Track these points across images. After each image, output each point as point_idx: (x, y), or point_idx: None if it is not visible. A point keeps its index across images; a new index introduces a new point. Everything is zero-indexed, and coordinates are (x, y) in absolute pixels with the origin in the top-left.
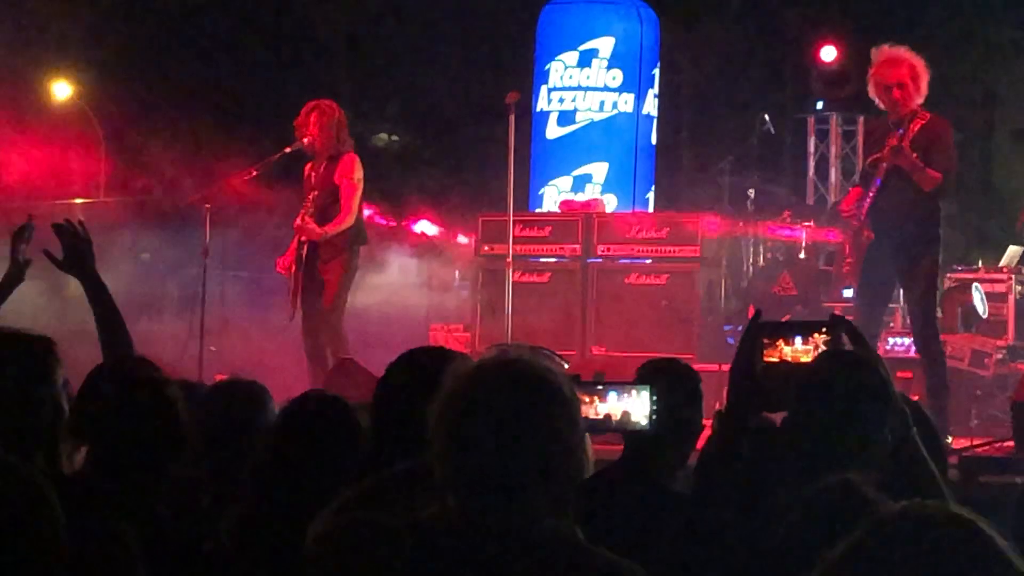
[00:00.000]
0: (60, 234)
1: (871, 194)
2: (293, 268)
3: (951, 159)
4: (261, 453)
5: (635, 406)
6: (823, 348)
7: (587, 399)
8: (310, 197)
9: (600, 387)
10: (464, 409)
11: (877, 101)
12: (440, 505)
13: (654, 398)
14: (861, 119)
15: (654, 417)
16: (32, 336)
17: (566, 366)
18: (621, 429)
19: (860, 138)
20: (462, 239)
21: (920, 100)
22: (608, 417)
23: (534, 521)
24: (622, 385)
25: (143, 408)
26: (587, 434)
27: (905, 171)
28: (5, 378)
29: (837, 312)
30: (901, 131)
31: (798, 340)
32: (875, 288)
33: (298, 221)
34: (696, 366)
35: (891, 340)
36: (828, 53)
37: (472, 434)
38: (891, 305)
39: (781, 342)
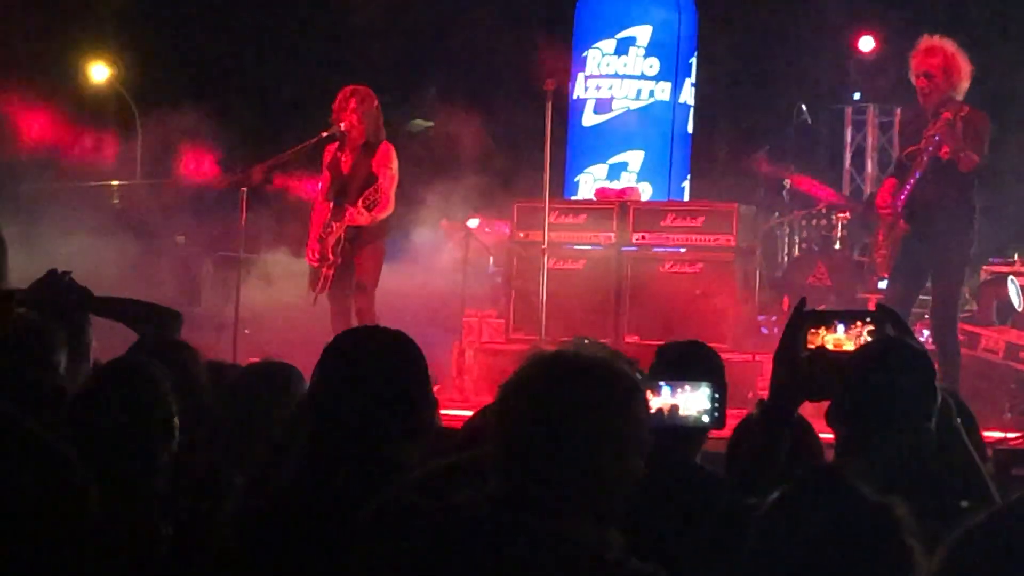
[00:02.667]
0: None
1: (909, 185)
2: (328, 255)
3: (984, 146)
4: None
5: (687, 401)
6: (867, 338)
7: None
8: (363, 193)
9: (660, 384)
10: (529, 398)
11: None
12: (478, 491)
13: (716, 395)
14: (898, 110)
15: (716, 414)
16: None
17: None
18: (672, 424)
19: (896, 129)
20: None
21: (956, 94)
22: (660, 411)
23: (570, 523)
24: (678, 381)
25: (121, 395)
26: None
27: (944, 162)
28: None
29: (871, 303)
30: (949, 115)
31: (841, 329)
32: (908, 278)
33: (351, 211)
34: (730, 355)
35: (925, 332)
36: (866, 43)
37: (530, 424)
38: (923, 296)
39: (824, 331)
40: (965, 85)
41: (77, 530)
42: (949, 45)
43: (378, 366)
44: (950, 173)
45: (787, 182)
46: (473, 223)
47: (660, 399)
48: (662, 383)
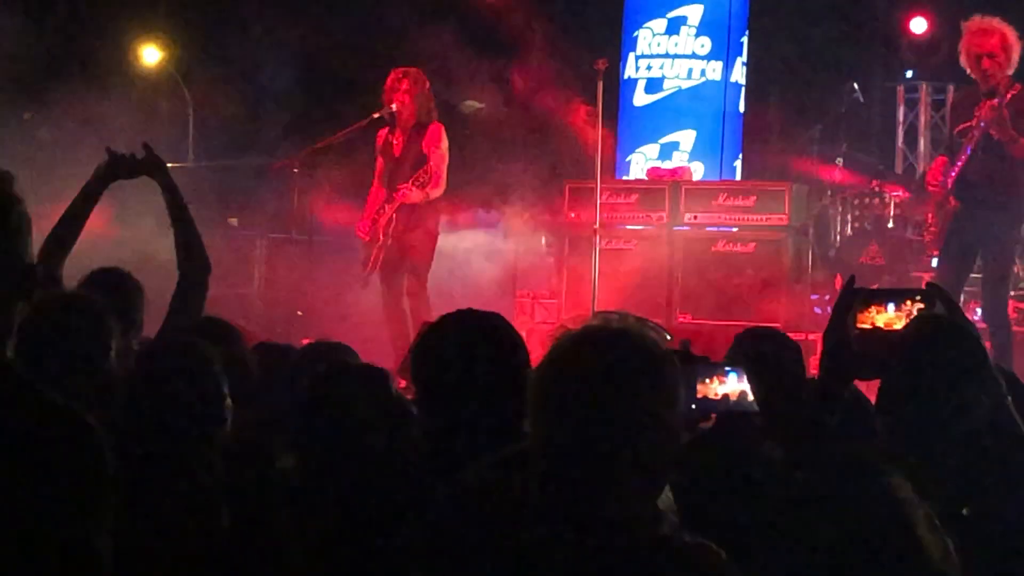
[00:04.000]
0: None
1: (959, 163)
2: (379, 235)
3: None
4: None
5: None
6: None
7: (709, 380)
8: (414, 173)
9: (727, 369)
10: (560, 375)
11: (968, 71)
12: (526, 471)
13: None
14: (951, 88)
15: None
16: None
17: (669, 338)
18: (737, 409)
19: (949, 107)
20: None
21: (1011, 70)
22: (726, 397)
23: (618, 501)
24: (739, 366)
25: (175, 376)
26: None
27: (994, 139)
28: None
29: (925, 281)
30: (998, 99)
31: (891, 307)
32: (958, 256)
33: (403, 189)
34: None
35: (978, 311)
36: (919, 25)
37: (565, 402)
38: (974, 275)
39: (874, 309)
40: (1017, 60)
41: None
42: (998, 22)
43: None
44: (1001, 151)
45: (840, 160)
46: None
47: (727, 385)
48: (728, 368)
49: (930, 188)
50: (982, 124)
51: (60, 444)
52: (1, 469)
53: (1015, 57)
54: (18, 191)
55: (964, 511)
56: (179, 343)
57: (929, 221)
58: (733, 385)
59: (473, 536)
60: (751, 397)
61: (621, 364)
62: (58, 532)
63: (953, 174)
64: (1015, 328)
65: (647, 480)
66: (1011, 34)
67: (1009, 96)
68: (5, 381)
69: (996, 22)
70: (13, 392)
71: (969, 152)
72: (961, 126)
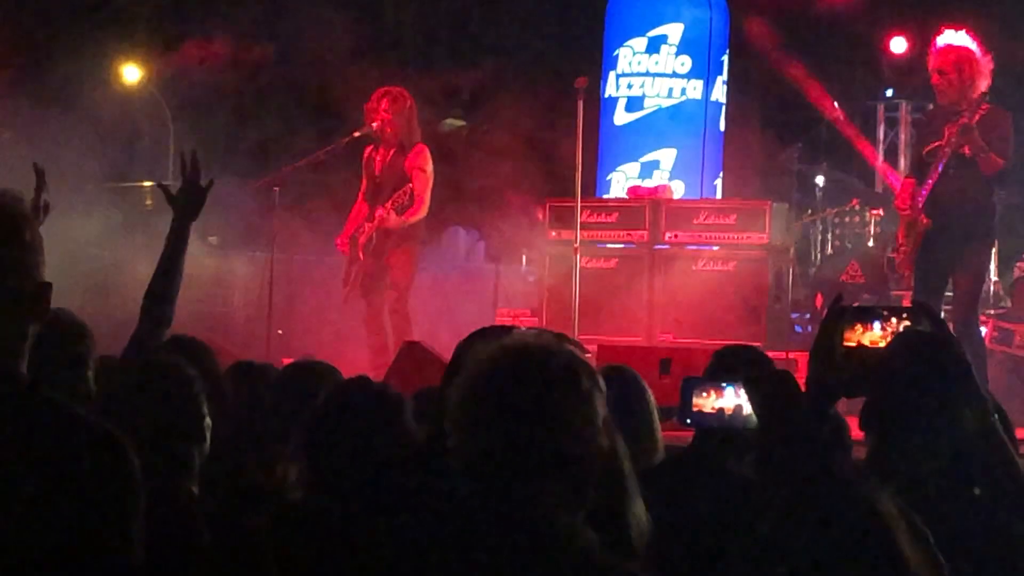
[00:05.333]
0: (184, 169)
1: (930, 181)
2: (358, 254)
3: (1008, 148)
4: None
5: (747, 402)
6: None
7: (705, 394)
8: (393, 195)
9: (725, 384)
10: (479, 392)
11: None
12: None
13: None
14: (931, 106)
15: None
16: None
17: (588, 355)
18: (732, 424)
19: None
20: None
21: (974, 90)
22: (722, 411)
23: (541, 513)
24: (738, 383)
25: (155, 396)
26: (657, 423)
27: (966, 158)
28: None
29: (905, 300)
30: (966, 115)
31: (877, 325)
32: (932, 275)
33: (381, 212)
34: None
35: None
36: (898, 45)
37: (484, 418)
38: (948, 293)
39: (861, 327)
40: (984, 82)
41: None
42: (966, 41)
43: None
44: (972, 170)
45: (820, 179)
46: None
47: (723, 399)
48: (725, 384)
49: (900, 211)
50: (952, 141)
51: (90, 459)
52: (29, 484)
53: (973, 78)
54: (30, 211)
55: (976, 491)
56: (158, 362)
57: (900, 241)
58: (730, 400)
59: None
60: (746, 411)
61: (538, 378)
62: (91, 547)
63: (924, 193)
64: (996, 347)
65: (568, 491)
66: (974, 55)
67: (978, 116)
68: (28, 398)
69: (963, 40)
70: (39, 408)
71: (940, 170)
72: (930, 146)
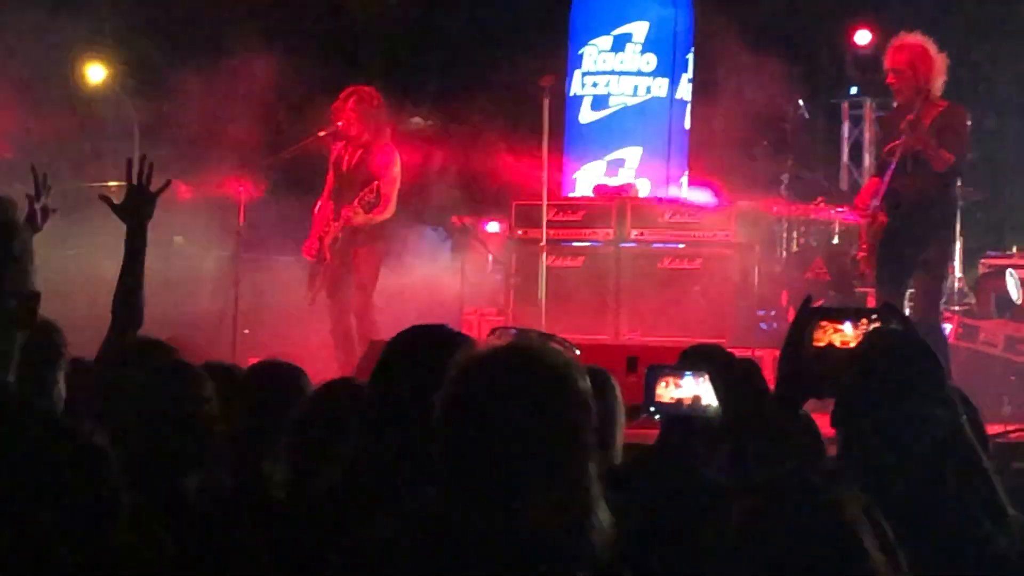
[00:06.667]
0: (128, 176)
1: (887, 178)
2: (325, 254)
3: (962, 145)
4: (289, 441)
5: (707, 391)
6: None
7: (664, 383)
8: (359, 193)
9: (687, 372)
10: (470, 398)
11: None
12: (437, 495)
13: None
14: (895, 104)
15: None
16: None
17: (577, 352)
18: (691, 413)
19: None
20: (493, 226)
21: (928, 87)
22: (680, 402)
23: (533, 519)
24: (700, 372)
25: (173, 396)
26: (622, 424)
27: (920, 154)
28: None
29: (870, 297)
30: (916, 112)
31: (848, 326)
32: (892, 272)
33: (347, 211)
34: (729, 351)
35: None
36: (863, 37)
37: (477, 425)
38: (911, 289)
39: (831, 328)
40: (938, 80)
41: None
42: (919, 41)
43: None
44: (929, 167)
45: (784, 176)
46: (493, 227)
47: (682, 389)
48: (687, 372)
49: (859, 211)
50: (903, 138)
51: (69, 467)
52: (9, 492)
53: (927, 77)
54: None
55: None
56: (171, 365)
57: (862, 238)
58: (690, 389)
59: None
60: (705, 401)
61: (528, 381)
62: (71, 557)
63: (882, 191)
64: (961, 343)
65: (564, 494)
66: (928, 52)
67: (935, 113)
68: (11, 407)
69: (910, 38)
70: (22, 417)
71: (895, 166)
72: (889, 145)
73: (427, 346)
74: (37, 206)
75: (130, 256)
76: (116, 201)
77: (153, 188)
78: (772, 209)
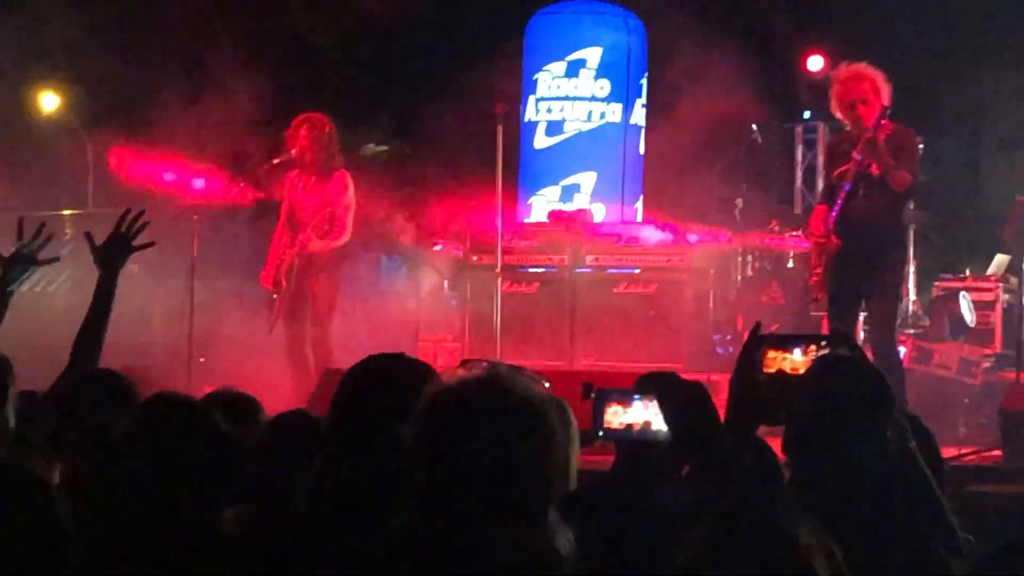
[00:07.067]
0: (119, 223)
1: (839, 201)
2: (282, 282)
3: (915, 165)
4: (247, 471)
5: (657, 416)
6: None
7: (613, 408)
8: (314, 220)
9: (636, 396)
10: (442, 429)
11: (842, 118)
12: (408, 520)
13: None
14: (841, 131)
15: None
16: None
17: (547, 385)
18: (642, 439)
19: (826, 152)
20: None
21: (885, 112)
22: (630, 427)
23: (500, 548)
24: (649, 396)
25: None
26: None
27: (874, 178)
28: None
29: (825, 321)
30: (871, 133)
31: (797, 352)
32: (845, 296)
33: (302, 238)
34: (684, 376)
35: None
36: (815, 63)
37: (449, 456)
38: (864, 313)
39: (781, 354)
40: (888, 101)
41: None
42: (865, 67)
43: None
44: (881, 190)
45: (739, 201)
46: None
47: (631, 414)
48: (636, 396)
49: (813, 239)
50: (858, 158)
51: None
52: None
53: (887, 100)
54: None
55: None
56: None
57: (813, 263)
58: (639, 414)
59: None
60: (655, 426)
61: (500, 414)
62: None
63: (834, 214)
64: (915, 366)
65: (531, 522)
66: (880, 77)
67: (885, 134)
68: None
69: (863, 67)
70: None
71: (848, 189)
72: (839, 169)
73: (385, 374)
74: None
75: (99, 299)
76: (98, 243)
77: (136, 243)
78: (724, 241)
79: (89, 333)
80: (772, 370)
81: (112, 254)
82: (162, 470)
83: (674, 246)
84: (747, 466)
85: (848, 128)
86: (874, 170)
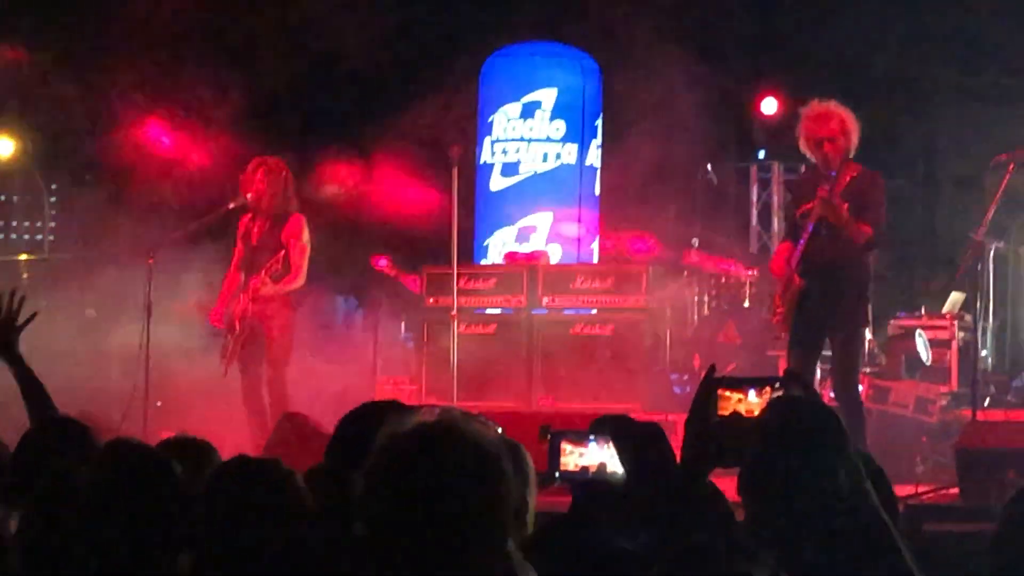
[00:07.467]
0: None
1: (802, 241)
2: (235, 325)
3: (881, 213)
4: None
5: (612, 457)
6: None
7: (568, 450)
8: (267, 264)
9: (591, 438)
10: (395, 475)
11: (809, 155)
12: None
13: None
14: (804, 168)
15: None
16: None
17: (500, 431)
18: (597, 480)
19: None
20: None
21: (851, 152)
22: (585, 469)
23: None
24: (604, 437)
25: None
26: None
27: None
28: None
29: (782, 360)
30: (830, 183)
31: (752, 394)
32: (808, 335)
33: (255, 281)
34: (642, 416)
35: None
36: (769, 106)
37: (402, 501)
38: (826, 352)
39: (735, 396)
40: (856, 142)
41: None
42: (835, 106)
43: None
44: (844, 231)
45: (695, 241)
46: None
47: (587, 457)
48: (591, 438)
49: (775, 276)
50: (816, 211)
51: None
52: None
53: (855, 139)
54: None
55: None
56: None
57: (776, 302)
58: (595, 456)
59: None
60: (610, 468)
61: (452, 459)
62: None
63: (798, 254)
64: (872, 405)
65: (486, 567)
66: (849, 116)
67: (848, 178)
68: None
69: (833, 105)
70: None
71: (811, 229)
72: (803, 207)
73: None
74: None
75: (19, 380)
76: None
77: (20, 321)
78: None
79: (34, 399)
80: (727, 412)
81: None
82: (119, 517)
83: (630, 283)
84: (701, 508)
85: (816, 164)
86: (831, 218)
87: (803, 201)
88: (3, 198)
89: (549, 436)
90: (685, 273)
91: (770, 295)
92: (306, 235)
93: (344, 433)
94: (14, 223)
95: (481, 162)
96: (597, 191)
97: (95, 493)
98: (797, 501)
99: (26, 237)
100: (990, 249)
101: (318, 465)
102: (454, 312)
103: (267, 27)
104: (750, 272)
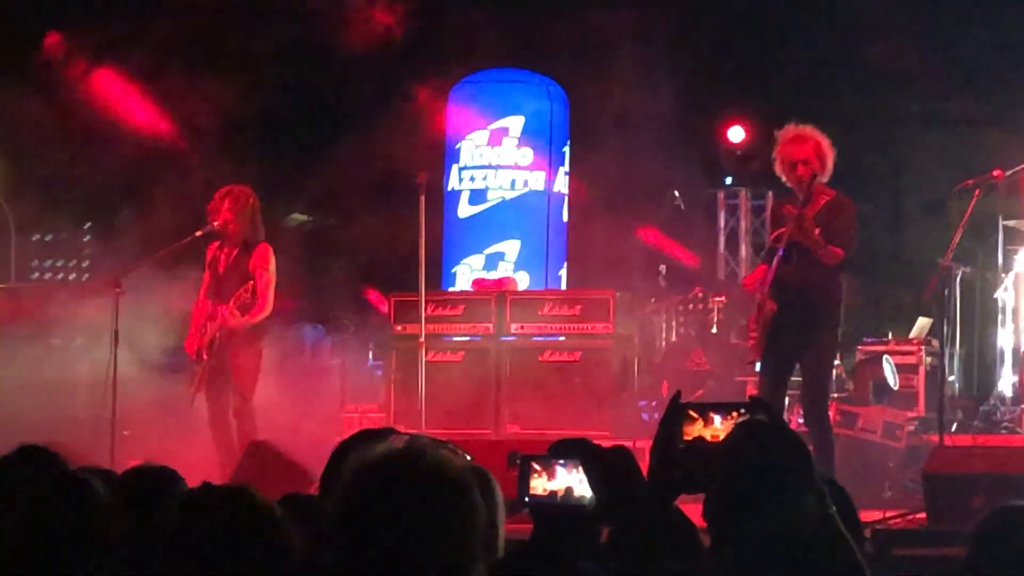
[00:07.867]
0: None
1: (774, 266)
2: (203, 354)
3: (852, 237)
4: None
5: (580, 482)
6: None
7: (537, 474)
8: (235, 292)
9: (560, 463)
10: (363, 503)
11: (784, 179)
12: None
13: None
14: (770, 194)
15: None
16: None
17: (469, 459)
18: (565, 505)
19: (768, 214)
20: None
21: (825, 177)
22: (554, 494)
23: None
24: (572, 462)
25: (60, 505)
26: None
27: (805, 244)
28: None
29: (750, 386)
30: (799, 208)
31: (717, 420)
32: (779, 360)
33: (223, 311)
34: (611, 442)
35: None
36: (736, 134)
37: (370, 529)
38: (795, 378)
39: (700, 422)
40: (831, 167)
41: None
42: (811, 130)
43: None
44: (815, 256)
45: (662, 267)
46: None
47: (555, 481)
48: (558, 464)
49: (747, 291)
50: (789, 232)
51: None
52: None
53: (830, 164)
54: None
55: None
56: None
57: (751, 325)
58: (563, 480)
59: None
60: (578, 492)
61: (420, 487)
62: None
63: (769, 278)
64: (840, 430)
65: None
66: (824, 141)
67: (823, 201)
68: None
69: (810, 130)
70: None
71: (781, 254)
72: (776, 231)
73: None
74: None
75: None
76: None
77: None
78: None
79: None
80: (692, 438)
81: None
82: (81, 547)
83: (597, 310)
84: (667, 533)
85: (791, 189)
86: (801, 239)
87: (777, 227)
88: None
89: (518, 461)
90: (653, 299)
91: (745, 318)
92: (272, 264)
93: (339, 461)
94: None
95: (449, 189)
96: (565, 218)
97: (54, 520)
98: (762, 527)
99: None
100: (957, 274)
101: (292, 493)
102: (422, 339)
103: (232, 53)
104: (718, 299)
